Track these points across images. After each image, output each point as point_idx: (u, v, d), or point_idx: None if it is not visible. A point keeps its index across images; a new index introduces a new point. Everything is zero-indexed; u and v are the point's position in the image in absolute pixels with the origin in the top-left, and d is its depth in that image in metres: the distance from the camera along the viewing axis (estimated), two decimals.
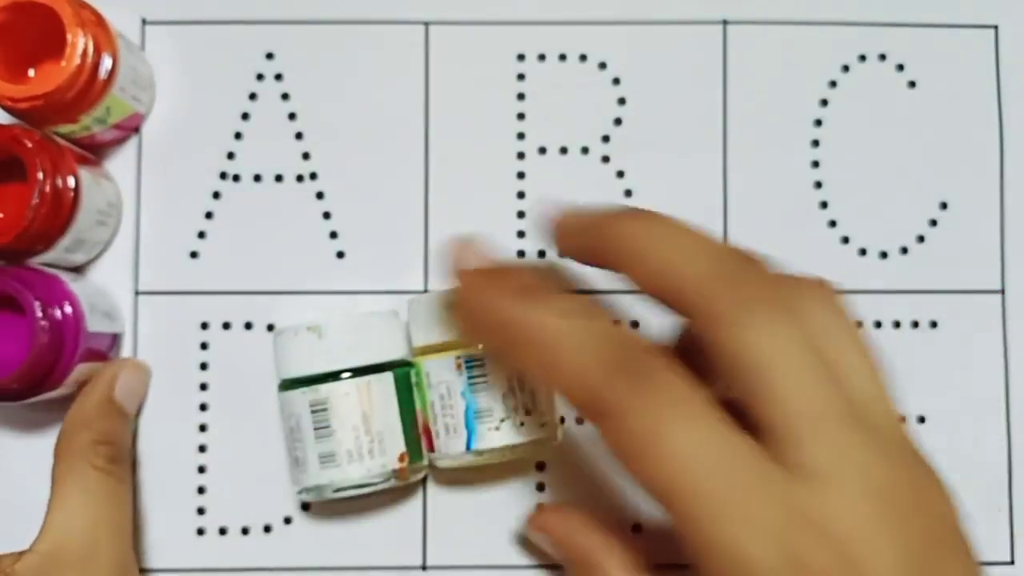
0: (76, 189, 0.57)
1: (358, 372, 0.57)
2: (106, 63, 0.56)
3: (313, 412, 0.57)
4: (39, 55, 0.59)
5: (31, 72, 0.60)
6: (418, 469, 0.59)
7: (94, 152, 0.62)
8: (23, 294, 0.54)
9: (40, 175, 0.54)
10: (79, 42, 0.54)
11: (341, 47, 0.64)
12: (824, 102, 0.65)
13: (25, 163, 0.54)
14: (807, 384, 0.40)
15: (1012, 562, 0.63)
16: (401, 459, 0.57)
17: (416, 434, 0.59)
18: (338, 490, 0.57)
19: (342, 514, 0.63)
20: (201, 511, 0.63)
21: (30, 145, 0.55)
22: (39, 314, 0.54)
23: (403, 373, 0.58)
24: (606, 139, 0.64)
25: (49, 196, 0.55)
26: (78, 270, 0.62)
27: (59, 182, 0.55)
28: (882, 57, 0.65)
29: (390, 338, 0.59)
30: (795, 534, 0.38)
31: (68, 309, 0.56)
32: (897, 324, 0.64)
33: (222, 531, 0.62)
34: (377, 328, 0.59)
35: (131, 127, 0.63)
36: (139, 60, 0.61)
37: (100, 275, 0.63)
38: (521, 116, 0.64)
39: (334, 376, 0.57)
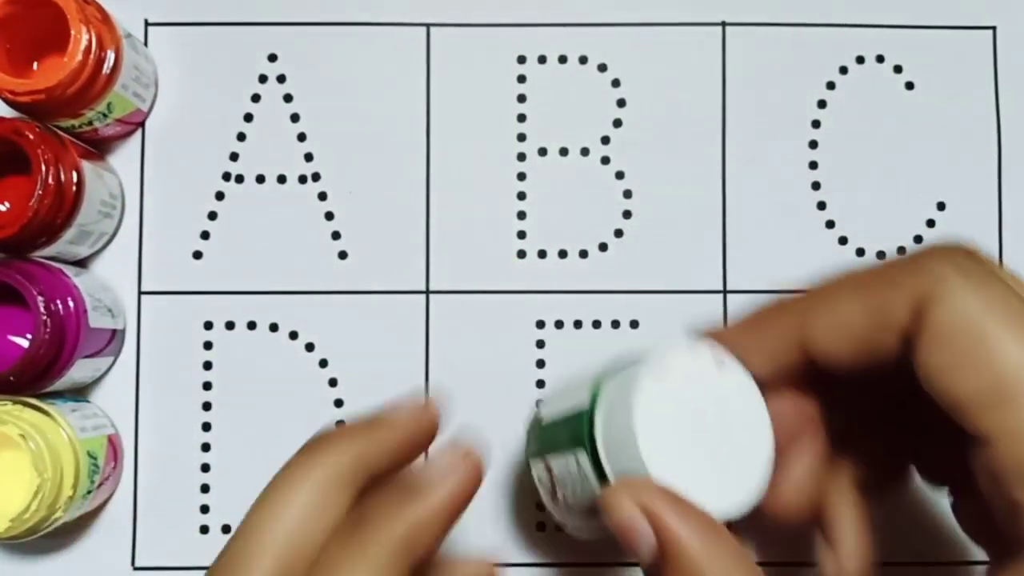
0: (79, 181, 0.57)
1: None
2: (109, 59, 0.57)
3: None
4: (43, 49, 0.60)
5: (35, 66, 0.61)
6: None
7: (96, 146, 0.63)
8: (26, 287, 0.55)
9: (43, 166, 0.55)
10: (82, 38, 0.55)
11: (343, 49, 0.65)
12: (822, 103, 0.65)
13: (28, 154, 0.55)
14: None
15: None
16: None
17: None
18: None
19: None
20: (204, 509, 0.63)
21: (32, 137, 0.55)
22: (41, 308, 0.55)
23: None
24: (606, 140, 0.65)
25: (52, 188, 0.55)
26: (82, 264, 0.63)
27: (62, 174, 0.56)
28: (880, 59, 0.65)
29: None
30: None
31: (70, 303, 0.57)
32: None
33: (225, 529, 0.63)
34: None
35: (134, 122, 0.63)
36: (143, 58, 0.61)
37: (103, 272, 0.63)
38: (522, 118, 0.65)
39: None
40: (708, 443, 0.40)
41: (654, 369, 0.40)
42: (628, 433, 0.39)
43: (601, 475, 0.41)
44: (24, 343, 0.59)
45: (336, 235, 0.64)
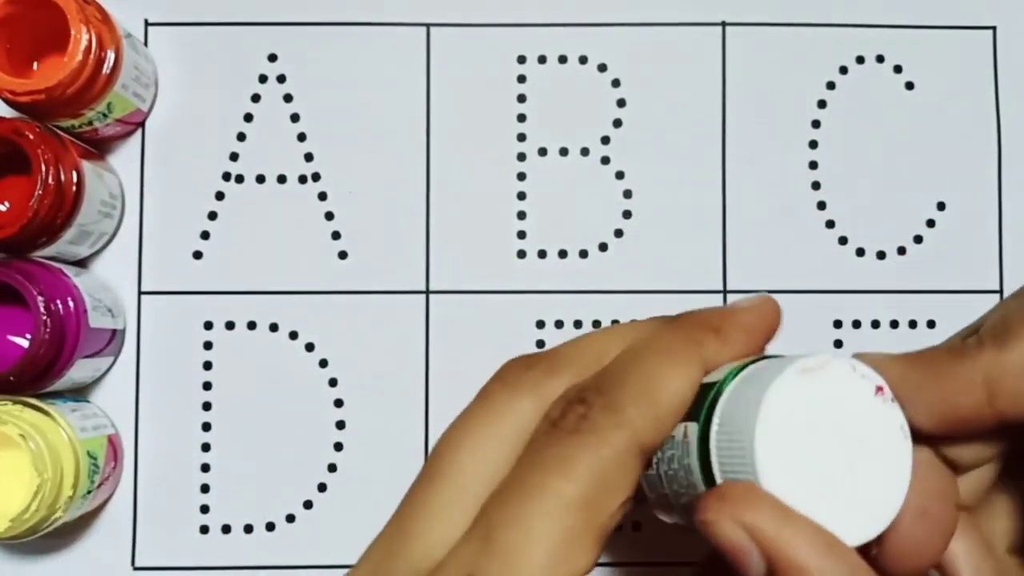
0: (79, 181, 0.57)
1: None
2: (109, 59, 0.57)
3: None
4: (43, 49, 0.60)
5: (35, 66, 0.61)
6: None
7: (96, 146, 0.63)
8: (26, 287, 0.55)
9: (43, 166, 0.55)
10: (82, 38, 0.55)
11: (343, 49, 0.65)
12: (822, 103, 0.65)
13: (28, 154, 0.55)
14: None
15: None
16: None
17: None
18: None
19: (345, 512, 0.63)
20: (204, 509, 0.63)
21: (32, 137, 0.55)
22: (41, 308, 0.55)
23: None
24: (606, 140, 0.65)
25: (52, 188, 0.55)
26: (82, 264, 0.63)
27: (62, 174, 0.56)
28: (880, 59, 0.65)
29: None
30: None
31: (70, 303, 0.57)
32: (895, 324, 0.64)
33: (225, 529, 0.63)
34: None
35: (134, 122, 0.63)
36: (143, 58, 0.61)
37: (103, 272, 0.63)
38: (522, 118, 0.65)
39: None
40: (834, 460, 0.36)
41: (807, 363, 0.36)
42: (750, 411, 0.35)
43: (704, 446, 0.38)
44: (24, 343, 0.59)
45: (336, 235, 0.64)
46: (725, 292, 0.64)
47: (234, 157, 0.64)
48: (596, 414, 0.37)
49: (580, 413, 0.37)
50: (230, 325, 0.64)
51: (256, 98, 0.65)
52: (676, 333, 0.40)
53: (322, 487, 0.63)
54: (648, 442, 0.37)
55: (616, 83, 0.65)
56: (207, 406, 0.63)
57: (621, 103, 0.65)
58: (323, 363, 0.63)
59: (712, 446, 0.37)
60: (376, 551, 0.39)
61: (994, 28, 0.65)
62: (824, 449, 0.36)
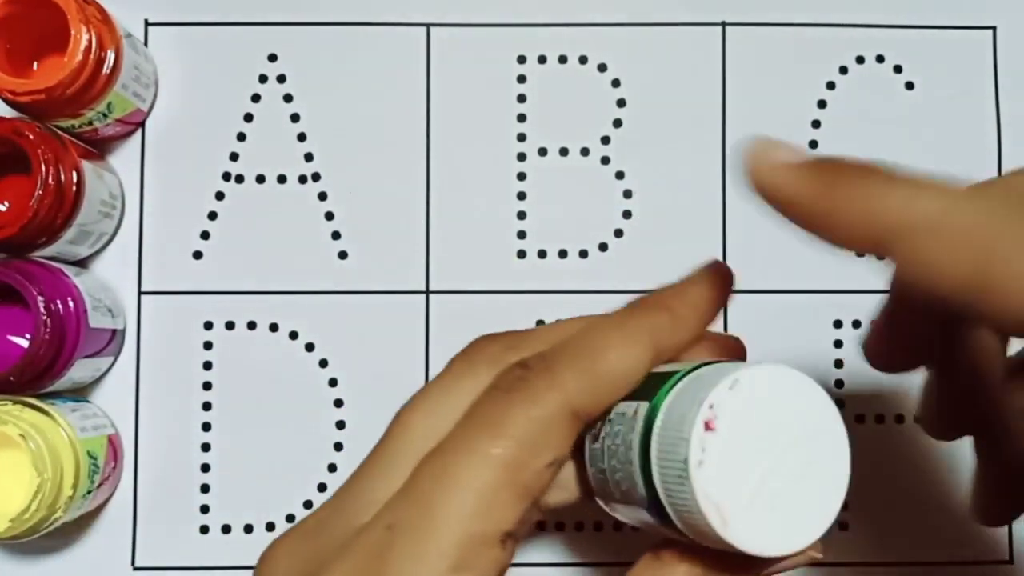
0: (79, 181, 0.57)
1: None
2: (109, 59, 0.57)
3: None
4: (43, 49, 0.60)
5: (35, 66, 0.61)
6: None
7: (95, 146, 0.63)
8: (26, 287, 0.55)
9: (43, 166, 0.55)
10: (82, 38, 0.55)
11: (343, 49, 0.65)
12: (822, 103, 0.65)
13: (28, 154, 0.55)
14: None
15: (1011, 561, 0.63)
16: None
17: None
18: None
19: None
20: (204, 509, 0.63)
21: (32, 137, 0.55)
22: (41, 308, 0.55)
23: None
24: (606, 140, 0.65)
25: (52, 188, 0.55)
26: (82, 264, 0.63)
27: (62, 174, 0.56)
28: (880, 59, 0.65)
29: None
30: None
31: (70, 303, 0.57)
32: None
33: (225, 529, 0.63)
34: None
35: (133, 122, 0.63)
36: (143, 58, 0.61)
37: (103, 272, 0.63)
38: (522, 117, 0.65)
39: None
40: (774, 462, 0.35)
41: (731, 378, 0.35)
42: (686, 422, 0.35)
43: (646, 437, 0.38)
44: (24, 343, 0.59)
45: (336, 235, 0.64)
46: None
47: (234, 157, 0.64)
48: (533, 376, 0.38)
49: (518, 375, 0.38)
50: (230, 325, 0.64)
51: (256, 98, 0.65)
52: (628, 310, 0.42)
53: (322, 487, 0.63)
54: (582, 407, 0.38)
55: (616, 83, 0.65)
56: (207, 406, 0.63)
57: (621, 103, 0.65)
58: (323, 363, 0.63)
59: (653, 441, 0.37)
60: (325, 507, 0.40)
61: (994, 28, 0.65)
62: (762, 453, 0.35)
